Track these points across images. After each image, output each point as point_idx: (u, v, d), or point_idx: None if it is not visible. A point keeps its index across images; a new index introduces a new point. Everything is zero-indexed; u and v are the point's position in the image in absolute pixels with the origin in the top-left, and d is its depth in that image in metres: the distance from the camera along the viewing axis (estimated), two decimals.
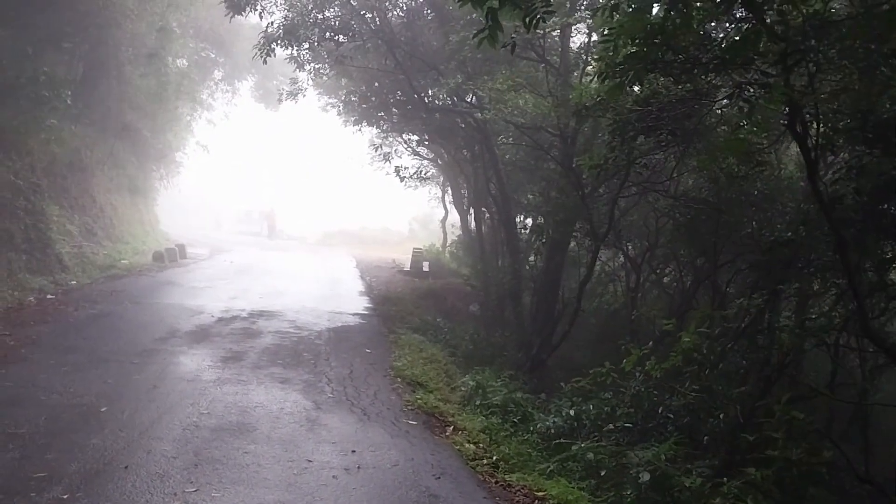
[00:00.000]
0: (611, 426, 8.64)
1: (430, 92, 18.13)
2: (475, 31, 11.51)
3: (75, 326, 11.49)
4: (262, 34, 15.21)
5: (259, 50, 14.95)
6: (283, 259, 28.11)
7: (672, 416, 9.27)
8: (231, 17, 14.84)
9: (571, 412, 9.24)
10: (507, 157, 17.91)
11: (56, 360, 8.98)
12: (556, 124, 13.77)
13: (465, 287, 21.82)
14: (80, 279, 16.85)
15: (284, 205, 56.76)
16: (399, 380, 9.97)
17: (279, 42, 14.87)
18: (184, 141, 32.42)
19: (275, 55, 15.57)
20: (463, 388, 10.34)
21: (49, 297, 14.16)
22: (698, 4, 7.22)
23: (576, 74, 14.24)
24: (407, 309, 16.49)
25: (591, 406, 9.61)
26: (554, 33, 14.70)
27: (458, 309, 18.81)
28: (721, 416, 8.50)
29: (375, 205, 62.74)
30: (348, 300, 17.57)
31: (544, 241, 18.13)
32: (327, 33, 15.24)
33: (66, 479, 5.46)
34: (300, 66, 19.18)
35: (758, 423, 8.29)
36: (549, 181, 16.37)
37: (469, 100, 16.70)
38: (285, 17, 14.82)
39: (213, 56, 29.97)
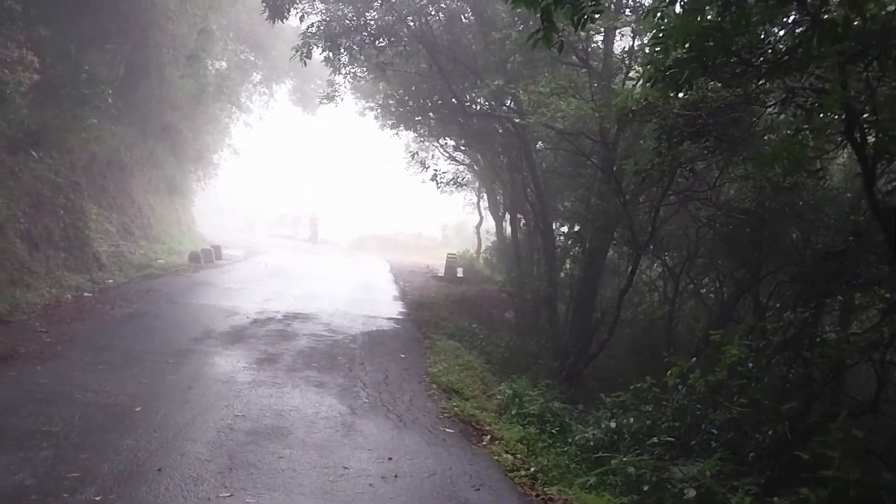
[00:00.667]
0: (654, 440, 8.34)
1: (468, 96, 17.98)
2: (518, 31, 11.35)
3: (111, 325, 11.51)
4: (301, 36, 15.20)
5: (298, 52, 14.94)
6: (317, 262, 28.15)
7: (716, 430, 8.96)
8: (273, 20, 14.79)
9: (612, 424, 8.97)
10: (544, 164, 17.71)
11: (92, 358, 8.96)
12: (598, 129, 13.55)
13: (500, 294, 21.60)
14: (118, 278, 16.95)
15: (319, 208, 57.04)
16: (434, 386, 9.79)
17: (318, 47, 14.84)
18: (221, 143, 32.70)
19: (311, 58, 15.53)
20: (499, 397, 10.12)
21: (86, 294, 14.25)
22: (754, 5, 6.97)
23: (618, 79, 13.99)
24: (441, 314, 16.31)
25: (632, 419, 9.33)
26: (597, 37, 14.49)
27: (493, 316, 18.58)
28: (769, 432, 8.17)
29: (409, 210, 62.79)
30: (382, 304, 17.46)
31: (582, 248, 17.88)
32: (366, 38, 15.15)
33: (99, 480, 5.36)
34: (337, 70, 19.17)
35: (806, 439, 7.97)
36: (589, 187, 16.11)
37: (508, 104, 16.53)
38: (323, 22, 14.77)
39: (252, 59, 30.17)
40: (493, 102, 17.13)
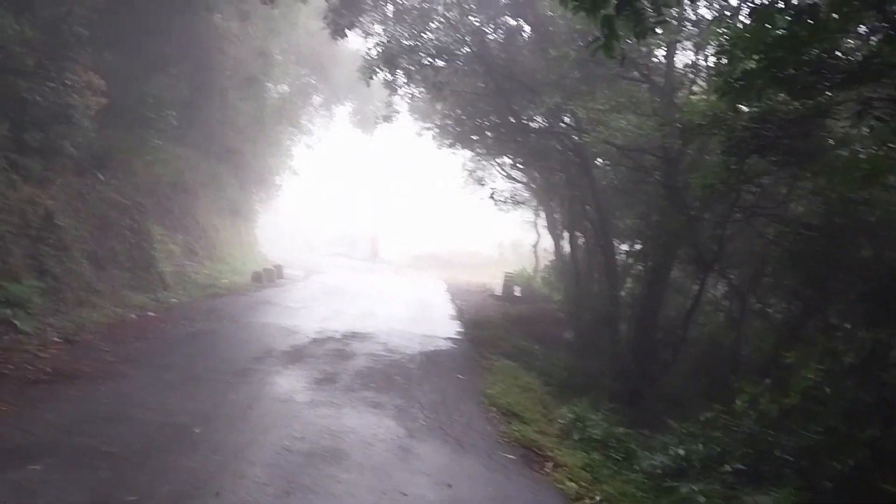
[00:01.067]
0: (726, 468, 7.96)
1: (526, 114, 17.85)
2: (576, 50, 11.17)
3: (174, 344, 11.67)
4: (366, 55, 15.37)
5: (362, 73, 15.08)
6: (374, 281, 28.27)
7: (790, 457, 8.51)
8: (336, 38, 14.94)
9: (680, 451, 8.61)
10: (604, 181, 17.41)
11: (153, 378, 9.06)
12: (660, 145, 13.24)
13: (558, 313, 21.30)
14: (181, 297, 17.25)
15: (378, 228, 57.55)
16: (493, 408, 9.59)
17: (378, 69, 14.96)
18: (283, 165, 33.32)
19: (375, 78, 15.65)
20: (561, 420, 9.85)
21: (150, 314, 14.51)
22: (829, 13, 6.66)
23: (681, 94, 13.67)
24: (498, 334, 16.11)
25: (701, 445, 8.95)
26: (658, 52, 14.21)
27: (551, 335, 18.26)
28: (851, 461, 7.71)
29: (464, 228, 62.80)
30: (439, 324, 17.35)
31: (645, 266, 17.47)
32: (424, 58, 15.20)
33: None
34: (395, 91, 19.30)
35: (887, 468, 7.50)
36: (650, 204, 15.75)
37: (566, 121, 16.34)
38: (381, 44, 14.89)
39: (312, 82, 30.73)
40: (551, 119, 16.95)
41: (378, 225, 47.27)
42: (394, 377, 10.65)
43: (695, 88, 14.18)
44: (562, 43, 12.86)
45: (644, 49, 12.80)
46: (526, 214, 33.93)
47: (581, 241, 21.58)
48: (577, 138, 16.56)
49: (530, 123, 17.84)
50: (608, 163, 17.14)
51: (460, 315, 19.61)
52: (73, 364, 9.50)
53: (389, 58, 14.41)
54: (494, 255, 52.28)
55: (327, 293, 21.88)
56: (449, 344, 14.50)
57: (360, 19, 14.48)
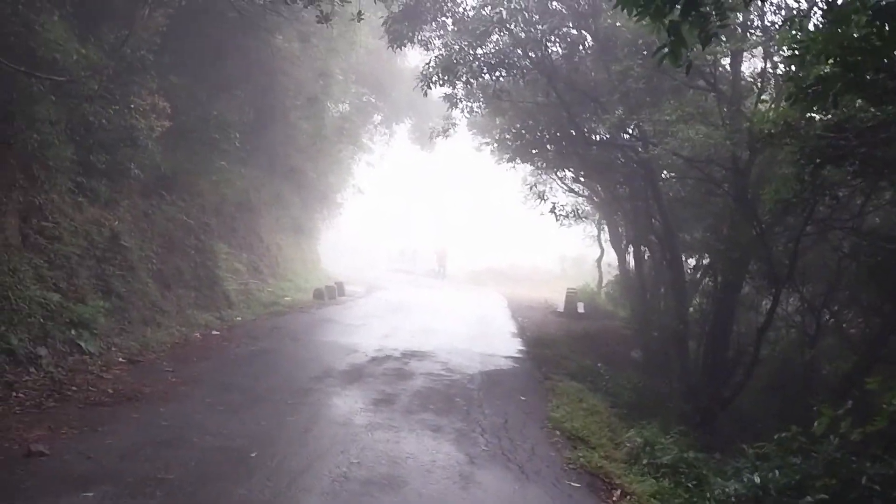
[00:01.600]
0: (807, 499, 7.44)
1: (588, 126, 17.49)
2: (640, 62, 10.84)
3: (236, 363, 11.71)
4: (425, 66, 15.27)
5: (420, 83, 15.00)
6: (434, 297, 28.14)
7: (878, 486, 7.92)
8: (394, 48, 14.81)
9: (756, 479, 8.10)
10: (670, 193, 16.89)
11: (213, 399, 9.05)
12: (728, 156, 12.75)
13: (624, 330, 20.73)
14: (245, 315, 17.43)
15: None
16: (558, 433, 9.24)
17: (437, 79, 14.83)
18: (344, 183, 33.64)
19: (433, 87, 15.52)
20: (628, 444, 9.44)
21: (214, 332, 14.67)
22: None
23: (749, 102, 13.14)
24: (562, 353, 15.72)
25: (778, 472, 8.41)
26: (724, 60, 13.73)
27: (617, 354, 17.75)
28: None
29: (524, 243, 62.25)
30: (500, 341, 17.05)
31: (714, 281, 16.85)
32: (484, 69, 15.01)
33: None
34: (454, 105, 19.19)
35: None
36: (719, 217, 15.20)
37: (631, 132, 15.92)
38: (440, 56, 14.76)
39: (372, 101, 30.98)
40: (614, 132, 16.56)
41: (444, 239, 46.47)
42: (454, 398, 10.41)
43: (763, 97, 13.65)
44: (624, 56, 12.47)
45: (710, 57, 12.34)
46: (588, 228, 33.38)
47: (647, 255, 21.00)
48: (641, 150, 16.12)
49: (593, 136, 17.44)
50: (674, 175, 16.66)
51: (522, 332, 19.26)
52: (135, 385, 9.59)
53: (448, 66, 14.22)
54: (555, 269, 51.56)
55: (387, 310, 21.83)
56: (510, 363, 14.19)
57: (420, 30, 14.32)
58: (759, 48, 12.71)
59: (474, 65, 14.46)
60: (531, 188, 23.67)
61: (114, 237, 13.45)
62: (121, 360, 11.44)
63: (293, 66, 22.32)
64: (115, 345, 12.13)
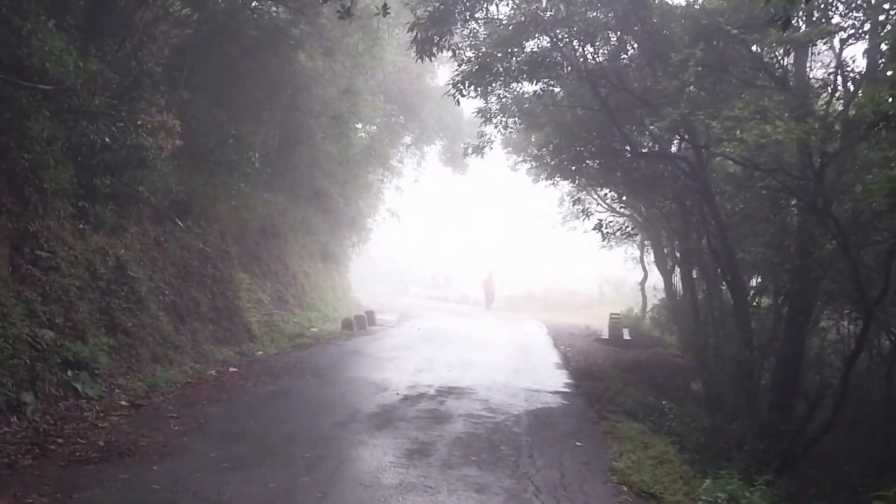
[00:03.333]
0: None
1: (635, 137, 16.04)
2: (702, 49, 9.40)
3: (250, 406, 10.40)
4: (455, 73, 13.98)
5: (452, 90, 13.71)
6: (469, 325, 26.68)
7: None
8: (424, 59, 13.46)
9: None
10: (728, 205, 15.33)
11: (218, 453, 7.73)
12: (798, 162, 11.26)
13: (677, 359, 19.09)
14: (267, 349, 16.23)
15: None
16: (625, 489, 7.72)
17: (470, 83, 13.48)
18: (374, 208, 32.51)
19: (465, 95, 14.19)
20: (705, 498, 7.91)
21: (231, 369, 13.44)
22: None
23: (822, 98, 11.68)
24: (614, 386, 14.15)
25: None
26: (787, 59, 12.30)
27: (673, 386, 16.11)
28: None
29: (562, 267, 60.65)
30: (544, 374, 15.54)
31: (775, 303, 15.24)
32: (521, 73, 13.64)
33: None
34: (488, 120, 17.93)
35: None
36: (784, 232, 13.65)
37: (682, 141, 14.46)
38: (473, 58, 13.43)
39: (401, 121, 29.87)
40: (665, 141, 15.15)
41: (490, 267, 44.00)
42: (499, 446, 8.94)
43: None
44: (684, 45, 10.98)
45: (780, 52, 10.96)
46: (630, 250, 31.80)
47: (698, 276, 19.36)
48: (694, 160, 14.67)
49: (640, 148, 15.95)
50: (728, 187, 15.12)
51: (566, 363, 17.72)
52: (132, 435, 8.33)
53: (484, 66, 12.82)
54: (594, 294, 49.85)
55: (420, 340, 20.46)
56: (559, 400, 12.65)
57: (450, 35, 13.00)
58: (834, 40, 11.19)
59: (510, 68, 13.07)
60: (575, 203, 22.12)
61: (120, 267, 12.30)
62: (123, 403, 10.22)
63: (317, 84, 21.33)
64: (119, 386, 10.93)
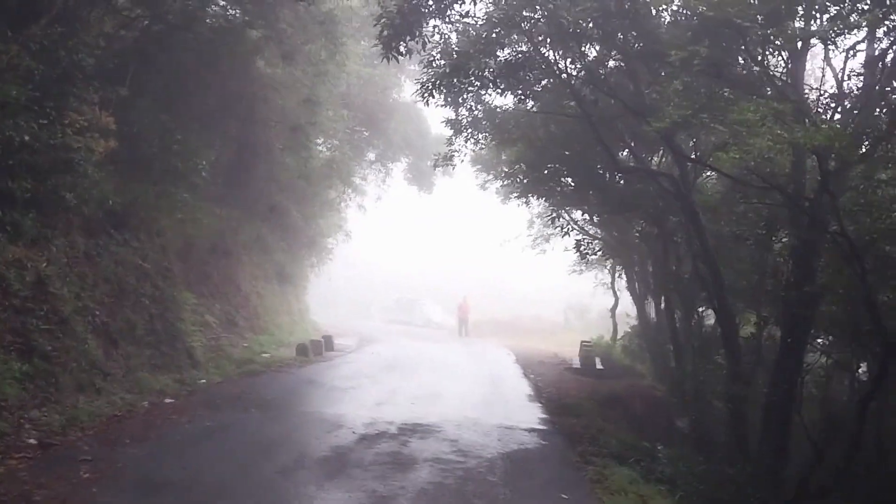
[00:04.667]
0: None
1: (612, 154, 14.95)
2: (706, 46, 8.32)
3: (180, 446, 8.91)
4: (425, 73, 12.72)
5: (421, 89, 12.47)
6: (434, 351, 25.30)
7: None
8: (388, 57, 12.14)
9: None
10: (712, 228, 14.33)
11: None
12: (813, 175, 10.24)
13: (654, 392, 17.99)
14: (212, 377, 14.73)
15: (430, 292, 54.84)
16: None
17: (442, 84, 12.23)
18: (335, 227, 31.06)
19: (435, 99, 12.94)
20: None
21: (167, 401, 11.91)
22: None
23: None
24: (594, 423, 12.88)
25: None
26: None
27: (656, 423, 14.94)
28: None
29: (526, 292, 59.64)
30: (517, 408, 14.25)
31: (758, 337, 14.29)
32: (500, 71, 12.42)
33: None
34: (457, 132, 16.79)
35: None
36: (781, 255, 12.69)
37: (673, 151, 13.40)
38: (448, 58, 12.20)
39: (365, 135, 28.54)
40: (642, 160, 14.11)
41: (465, 290, 41.96)
42: (471, 500, 7.57)
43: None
44: (687, 41, 9.87)
45: (784, 57, 9.97)
46: (600, 275, 30.78)
47: (676, 303, 18.33)
48: (678, 179, 13.66)
49: (621, 164, 14.84)
50: (718, 206, 14.14)
51: (539, 395, 16.43)
52: (28, 485, 6.85)
53: (457, 69, 11.56)
54: (559, 320, 48.85)
55: (382, 368, 19.01)
56: (535, 439, 11.28)
57: (420, 36, 11.74)
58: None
59: (485, 71, 11.84)
60: (554, 219, 20.95)
61: (39, 283, 10.71)
62: (31, 442, 8.67)
63: (276, 93, 19.97)
64: (31, 420, 9.37)
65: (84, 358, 11.27)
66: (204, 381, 14.23)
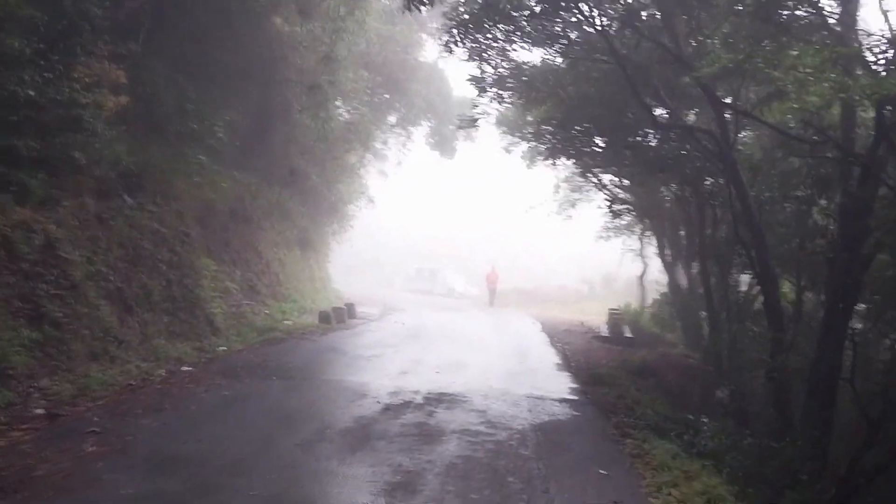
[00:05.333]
0: None
1: (649, 110, 14.15)
2: None
3: (195, 418, 8.45)
4: (450, 20, 11.98)
5: (446, 35, 11.75)
6: (458, 321, 24.79)
7: None
8: (409, 9, 11.33)
9: None
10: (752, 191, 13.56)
11: (136, 489, 5.80)
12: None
13: (687, 360, 17.34)
14: (232, 344, 14.32)
15: (453, 261, 54.34)
16: None
17: (468, 31, 11.48)
18: (356, 193, 30.47)
19: (460, 45, 12.19)
20: None
21: (185, 369, 11.48)
22: None
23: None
24: (628, 393, 12.28)
25: None
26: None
27: (691, 392, 14.33)
28: None
29: (548, 261, 58.99)
30: (546, 378, 13.68)
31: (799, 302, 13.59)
32: (532, 16, 11.60)
33: None
34: (482, 90, 16.02)
35: None
36: (834, 217, 11.93)
37: (718, 103, 12.59)
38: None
39: (386, 98, 27.76)
40: (678, 115, 13.29)
41: (494, 261, 40.90)
42: (505, 477, 7.02)
43: None
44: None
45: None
46: (627, 241, 29.98)
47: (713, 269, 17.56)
48: (719, 136, 12.86)
49: (656, 121, 13.99)
50: (748, 172, 13.36)
51: (567, 364, 15.86)
52: (31, 458, 6.42)
53: (487, 6, 10.79)
54: (582, 289, 48.19)
55: (405, 336, 18.54)
56: (567, 410, 10.72)
57: None
58: None
59: (517, 10, 11.01)
60: (584, 176, 20.11)
61: (48, 246, 10.29)
62: (38, 412, 8.28)
63: (294, 52, 19.33)
64: (40, 390, 9.00)
65: (97, 325, 10.88)
66: (224, 348, 13.84)
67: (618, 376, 13.85)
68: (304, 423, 8.51)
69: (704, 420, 10.16)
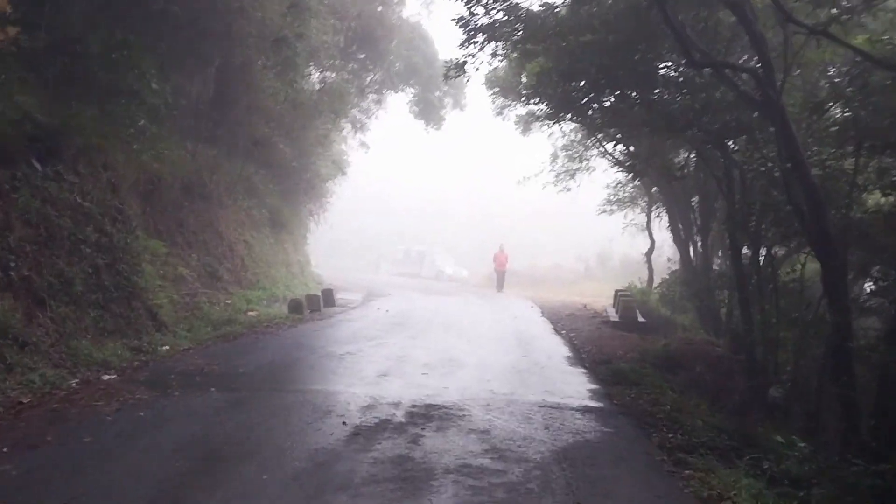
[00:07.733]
0: None
1: (684, 42, 11.69)
2: None
3: (79, 460, 5.95)
4: None
5: None
6: (449, 306, 22.43)
7: None
8: None
9: None
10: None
11: None
12: None
13: (713, 348, 15.02)
14: (179, 341, 11.95)
15: (442, 242, 51.97)
16: None
17: None
18: (335, 170, 27.84)
19: None
20: None
21: (105, 377, 9.07)
22: None
23: None
24: (663, 396, 9.87)
25: None
26: None
27: (724, 388, 11.99)
28: None
29: (543, 242, 56.69)
30: (557, 376, 11.30)
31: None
32: None
33: None
34: (471, 37, 13.57)
35: None
36: None
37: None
38: None
39: (361, 58, 25.01)
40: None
41: (502, 241, 37.11)
42: None
43: None
44: None
45: None
46: (630, 215, 27.58)
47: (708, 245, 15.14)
48: (762, 77, 10.46)
49: (693, 57, 11.50)
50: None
51: (579, 356, 13.50)
52: None
53: None
54: (579, 268, 45.98)
55: (389, 326, 16.15)
56: (594, 424, 8.23)
57: None
58: None
59: None
60: (591, 135, 17.69)
61: None
62: None
63: (258, 5, 16.66)
64: None
65: None
66: (167, 347, 11.45)
67: (644, 372, 11.49)
68: (234, 464, 6.03)
69: (802, 444, 7.60)
